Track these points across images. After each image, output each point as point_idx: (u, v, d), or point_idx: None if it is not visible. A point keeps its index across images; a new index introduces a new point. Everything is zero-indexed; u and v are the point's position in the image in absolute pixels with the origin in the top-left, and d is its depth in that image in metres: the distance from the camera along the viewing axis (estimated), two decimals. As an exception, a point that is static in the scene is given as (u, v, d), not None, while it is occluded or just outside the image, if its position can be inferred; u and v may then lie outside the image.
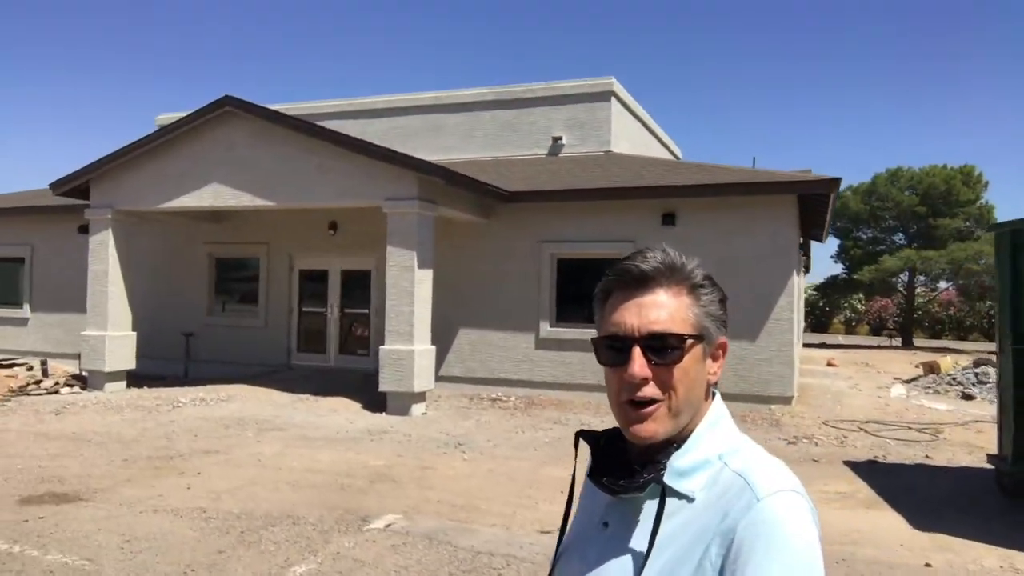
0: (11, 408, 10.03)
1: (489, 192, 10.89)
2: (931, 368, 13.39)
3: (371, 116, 16.07)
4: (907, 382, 13.63)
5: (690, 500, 1.02)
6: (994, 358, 9.22)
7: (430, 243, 10.27)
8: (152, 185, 11.51)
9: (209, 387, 11.66)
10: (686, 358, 1.05)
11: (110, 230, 11.82)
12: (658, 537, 1.00)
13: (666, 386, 1.04)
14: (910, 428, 9.42)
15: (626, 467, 1.07)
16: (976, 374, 12.48)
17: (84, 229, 15.05)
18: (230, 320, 13.99)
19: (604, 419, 9.90)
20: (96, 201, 11.93)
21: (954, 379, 12.62)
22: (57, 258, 15.20)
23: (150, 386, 12.40)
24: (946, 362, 13.39)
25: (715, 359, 1.11)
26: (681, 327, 1.05)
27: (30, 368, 14.11)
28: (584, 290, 11.62)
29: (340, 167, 10.37)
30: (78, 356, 14.34)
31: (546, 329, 11.55)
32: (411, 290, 9.93)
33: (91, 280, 11.95)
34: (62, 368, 14.54)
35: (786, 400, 10.33)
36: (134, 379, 12.31)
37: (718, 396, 1.12)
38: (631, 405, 1.05)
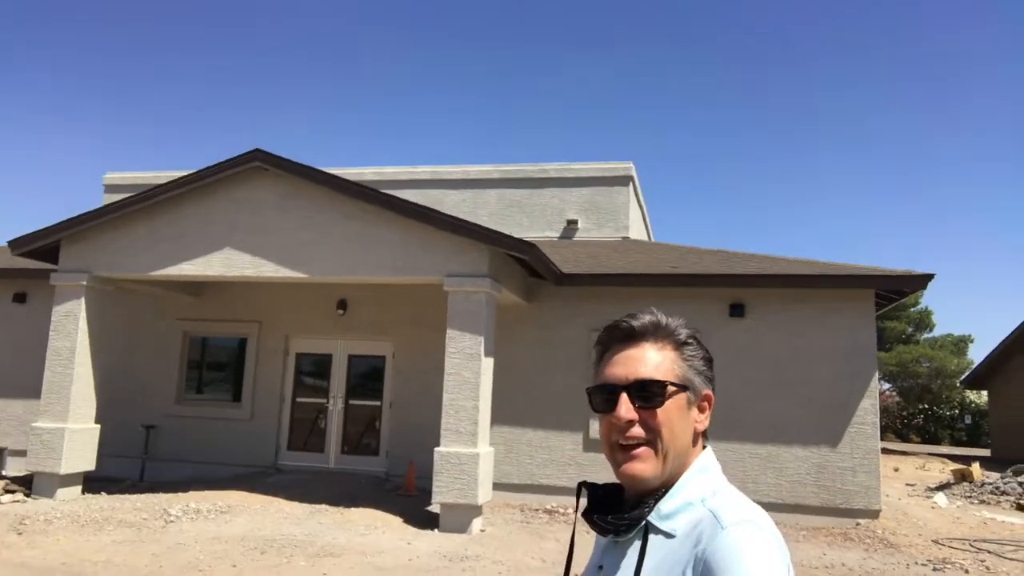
0: (-53, 525, 7.69)
1: (540, 272, 9.73)
2: (963, 476, 12.97)
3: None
4: (936, 490, 13.10)
5: (671, 537, 1.12)
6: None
7: (494, 328, 8.95)
8: (144, 248, 9.68)
9: (193, 494, 9.56)
10: (669, 403, 1.17)
11: (82, 299, 9.78)
12: (642, 571, 1.11)
13: (651, 428, 1.16)
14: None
15: (617, 510, 1.20)
16: (1020, 483, 12.08)
17: (20, 297, 12.80)
18: (205, 411, 11.88)
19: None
20: (67, 264, 9.91)
21: (997, 488, 12.17)
22: (-19, 331, 12.70)
23: (108, 491, 10.12)
24: (976, 470, 13.03)
25: (701, 410, 1.23)
26: (664, 375, 1.19)
27: (-68, 466, 11.45)
28: (640, 386, 10.51)
29: (390, 236, 9.00)
30: (-1, 451, 11.82)
31: (595, 428, 10.26)
32: (476, 382, 8.51)
33: (51, 359, 9.78)
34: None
35: (873, 514, 9.42)
36: (83, 482, 10.01)
37: (709, 448, 1.23)
38: (620, 448, 1.18)
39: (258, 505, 9.14)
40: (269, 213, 9.37)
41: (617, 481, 1.24)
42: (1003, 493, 11.96)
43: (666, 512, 1.14)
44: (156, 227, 9.69)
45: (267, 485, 10.28)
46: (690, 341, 1.24)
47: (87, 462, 9.83)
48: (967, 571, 7.41)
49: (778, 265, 10.23)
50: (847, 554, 8.00)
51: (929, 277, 9.40)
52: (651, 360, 1.19)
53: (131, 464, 11.56)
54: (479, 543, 7.87)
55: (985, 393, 25.84)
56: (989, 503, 11.78)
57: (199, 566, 6.45)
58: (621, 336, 1.23)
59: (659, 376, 1.18)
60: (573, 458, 10.37)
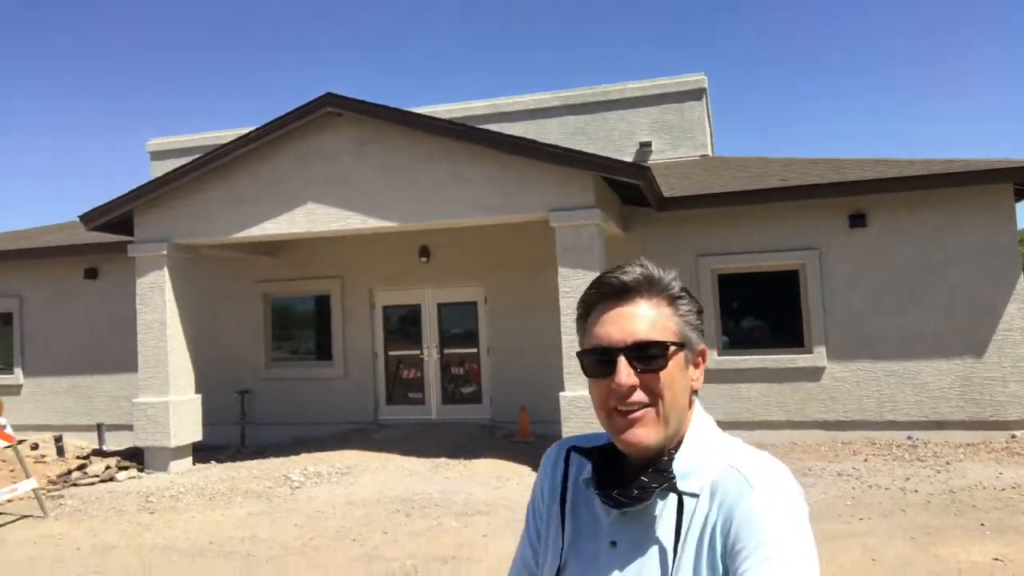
0: (75, 508, 7.49)
1: (647, 197, 9.04)
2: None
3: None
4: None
5: (695, 498, 1.08)
6: None
7: (605, 262, 8.36)
8: (223, 211, 9.19)
9: (304, 457, 9.30)
10: (670, 364, 1.11)
11: (165, 269, 9.38)
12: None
13: (653, 392, 1.10)
14: None
15: (624, 480, 1.12)
16: None
17: (92, 273, 12.49)
18: (296, 372, 11.58)
19: (842, 464, 8.14)
20: (144, 234, 9.48)
21: None
22: (55, 310, 12.48)
23: (216, 460, 9.94)
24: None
25: (696, 366, 1.17)
26: (663, 335, 1.11)
27: (35, 446, 11.40)
28: (754, 310, 9.93)
29: (482, 174, 8.36)
30: (96, 428, 11.76)
31: (714, 359, 9.71)
32: (596, 320, 7.96)
33: (142, 333, 9.45)
34: (76, 444, 11.86)
35: (1025, 424, 8.82)
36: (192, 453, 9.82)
37: (698, 401, 1.19)
38: (618, 413, 1.10)
39: (376, 463, 8.84)
40: (348, 161, 8.78)
41: (604, 443, 1.21)
42: None
43: (684, 472, 1.11)
44: (232, 187, 9.17)
45: (374, 441, 10.00)
46: (682, 294, 1.17)
47: (194, 433, 9.60)
48: None
49: (898, 167, 9.39)
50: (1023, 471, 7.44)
51: (1079, 163, 8.53)
52: (648, 318, 1.12)
53: (229, 430, 11.36)
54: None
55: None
56: None
57: (348, 535, 6.12)
58: (611, 292, 1.15)
59: (658, 336, 1.11)
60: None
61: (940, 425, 8.98)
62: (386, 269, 11.23)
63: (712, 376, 9.75)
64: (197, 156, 9.55)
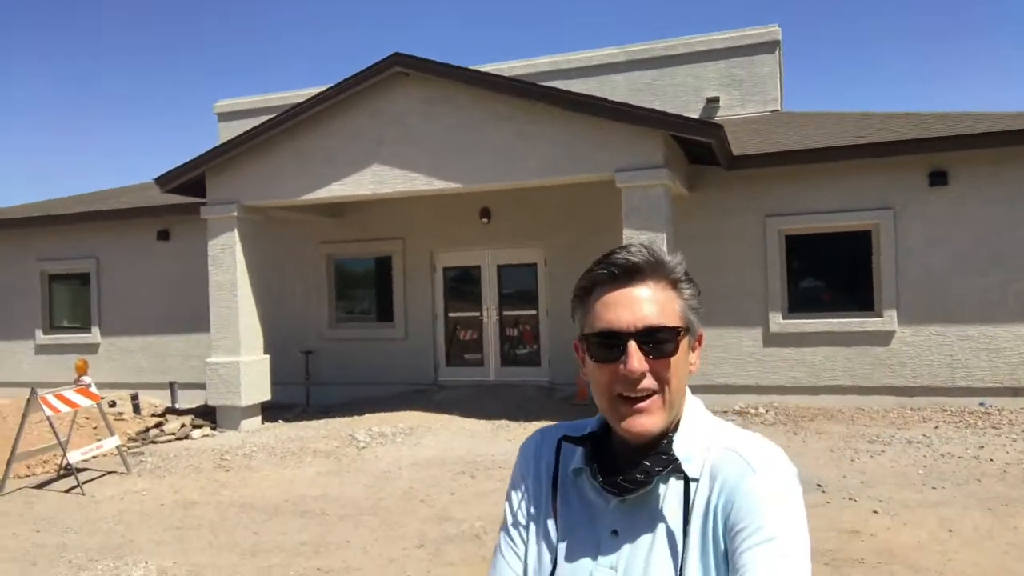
0: (155, 465, 7.85)
1: (717, 156, 8.79)
2: None
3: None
4: None
5: (696, 481, 1.09)
6: None
7: (672, 224, 8.20)
8: (292, 173, 9.31)
9: (368, 417, 9.53)
10: (679, 351, 1.10)
11: (235, 231, 9.60)
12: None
13: (661, 379, 1.09)
14: None
15: (618, 466, 1.13)
16: None
17: (164, 235, 12.86)
18: (358, 333, 11.81)
19: (911, 431, 7.93)
20: (216, 196, 9.69)
21: None
22: (129, 271, 12.92)
23: (284, 419, 10.27)
24: None
25: (693, 350, 1.17)
26: (672, 320, 1.11)
27: (112, 404, 11.95)
28: (823, 272, 9.66)
29: (549, 133, 8.24)
30: (169, 387, 12.21)
31: (778, 322, 9.53)
32: (661, 284, 7.85)
33: (214, 294, 9.74)
34: (150, 401, 12.39)
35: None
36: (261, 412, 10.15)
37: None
38: (623, 400, 1.09)
39: (438, 424, 9.00)
40: (415, 121, 8.75)
41: (593, 430, 1.20)
42: None
43: (685, 455, 1.11)
44: (300, 149, 9.26)
45: (435, 403, 10.16)
46: (685, 277, 1.16)
47: (263, 392, 9.92)
48: None
49: (986, 122, 8.90)
50: (1109, 441, 7.13)
51: None
52: (657, 302, 1.11)
53: (295, 391, 11.69)
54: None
55: None
56: None
57: (416, 495, 6.26)
58: (619, 273, 1.12)
59: (668, 322, 1.11)
60: (752, 354, 9.70)
61: (1016, 392, 8.65)
62: (447, 230, 11.26)
63: (775, 340, 9.57)
64: (265, 118, 9.67)
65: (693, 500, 1.08)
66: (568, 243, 10.53)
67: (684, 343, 1.12)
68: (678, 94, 13.20)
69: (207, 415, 10.22)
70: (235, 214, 9.50)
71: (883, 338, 9.18)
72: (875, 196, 9.18)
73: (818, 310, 9.49)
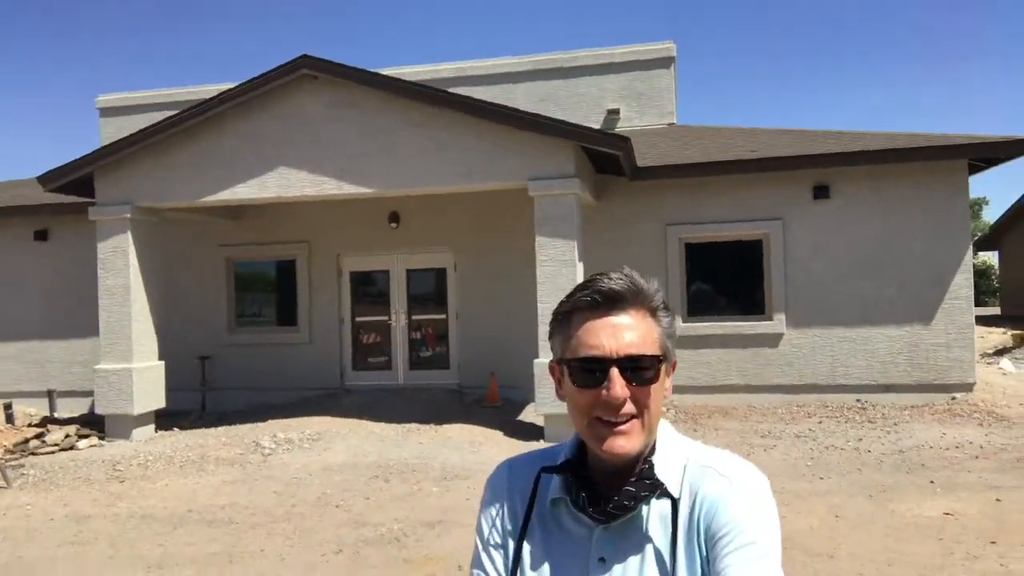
0: (39, 478, 7.34)
1: (623, 167, 9.13)
2: (1022, 340, 12.98)
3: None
4: (996, 355, 13.13)
5: (676, 500, 1.13)
6: None
7: (581, 231, 8.44)
8: (191, 174, 8.94)
9: (272, 423, 9.26)
10: (658, 378, 1.14)
11: (129, 233, 9.12)
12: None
13: (641, 405, 1.12)
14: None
15: (597, 493, 1.16)
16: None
17: (41, 235, 12.04)
18: (260, 337, 11.44)
19: (799, 426, 8.50)
20: (106, 197, 9.17)
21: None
22: (3, 273, 12.02)
23: (179, 427, 9.81)
24: (1035, 334, 13.04)
25: (668, 375, 1.19)
26: (652, 349, 1.13)
27: (-17, 415, 11.04)
28: (719, 278, 10.20)
29: (462, 141, 8.31)
30: (47, 395, 11.43)
31: (677, 325, 9.96)
32: (570, 289, 8.06)
33: (104, 299, 9.20)
34: (25, 411, 11.53)
35: (967, 387, 9.31)
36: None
37: None
38: (603, 422, 1.11)
39: (346, 429, 8.87)
40: (323, 125, 8.62)
41: (568, 457, 1.21)
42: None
43: (665, 478, 1.15)
44: (200, 149, 8.92)
45: (342, 407, 10.00)
46: (662, 305, 1.18)
47: (157, 400, 9.46)
48: (1098, 440, 7.33)
49: (863, 141, 9.67)
50: (965, 431, 7.90)
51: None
52: (638, 331, 1.13)
53: (190, 396, 11.17)
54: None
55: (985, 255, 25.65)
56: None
57: (330, 501, 6.17)
58: (601, 301, 1.13)
59: (648, 351, 1.13)
60: (654, 357, 10.09)
61: (887, 388, 9.44)
62: (354, 234, 11.11)
63: (676, 342, 10.00)
64: (152, 115, 9.26)
65: (678, 519, 1.12)
66: (477, 248, 10.64)
67: (662, 370, 1.15)
68: (580, 105, 13.56)
69: (94, 424, 9.63)
70: (128, 215, 9.03)
71: (773, 340, 9.79)
72: (766, 207, 9.80)
73: (715, 314, 10.01)
